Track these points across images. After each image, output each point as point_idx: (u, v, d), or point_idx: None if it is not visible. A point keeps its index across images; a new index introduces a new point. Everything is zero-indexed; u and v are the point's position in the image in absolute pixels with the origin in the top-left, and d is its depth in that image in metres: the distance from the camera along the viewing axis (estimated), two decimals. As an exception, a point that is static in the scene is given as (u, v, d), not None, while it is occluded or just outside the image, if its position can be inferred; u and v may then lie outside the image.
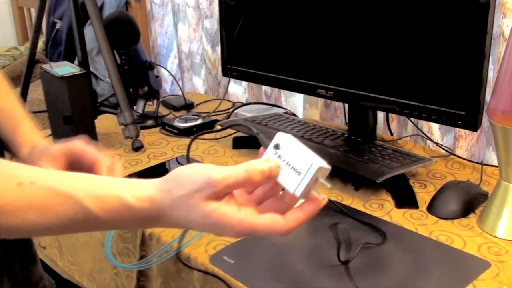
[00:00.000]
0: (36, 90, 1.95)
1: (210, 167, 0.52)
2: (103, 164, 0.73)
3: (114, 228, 0.56)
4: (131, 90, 1.47)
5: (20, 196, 0.49)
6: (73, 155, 0.73)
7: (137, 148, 1.28)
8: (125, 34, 1.40)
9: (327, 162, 0.52)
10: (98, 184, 0.53)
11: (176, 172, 0.53)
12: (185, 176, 0.52)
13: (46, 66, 1.25)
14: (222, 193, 0.51)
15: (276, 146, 0.54)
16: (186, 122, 1.40)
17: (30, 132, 0.81)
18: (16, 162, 0.53)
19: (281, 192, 0.56)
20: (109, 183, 0.54)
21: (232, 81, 1.70)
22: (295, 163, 0.52)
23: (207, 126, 1.41)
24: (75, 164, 0.73)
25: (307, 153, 0.52)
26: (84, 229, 0.54)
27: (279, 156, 0.53)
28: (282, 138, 0.54)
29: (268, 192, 0.56)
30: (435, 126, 1.34)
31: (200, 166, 0.53)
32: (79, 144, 0.74)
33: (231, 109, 1.52)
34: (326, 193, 1.03)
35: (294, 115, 1.47)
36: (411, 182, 1.06)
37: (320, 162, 0.52)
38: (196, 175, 0.52)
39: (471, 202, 0.95)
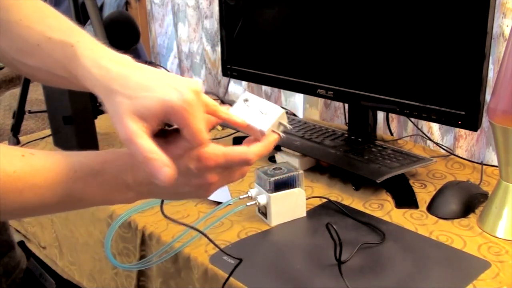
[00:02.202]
0: (36, 90, 1.95)
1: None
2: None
3: (117, 187, 0.57)
4: (131, 90, 1.47)
5: (25, 163, 0.53)
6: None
7: (137, 148, 1.28)
8: (125, 34, 1.40)
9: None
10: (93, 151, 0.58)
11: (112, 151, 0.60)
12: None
13: (46, 66, 1.25)
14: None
15: (246, 100, 0.63)
16: (186, 122, 1.39)
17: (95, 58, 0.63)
18: None
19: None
20: (92, 153, 0.59)
21: (232, 81, 1.70)
22: (262, 109, 0.62)
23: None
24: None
25: (271, 104, 0.63)
26: (87, 187, 0.56)
27: (247, 106, 0.63)
28: (249, 95, 0.64)
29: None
30: (435, 126, 1.34)
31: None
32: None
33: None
34: (326, 193, 1.03)
35: (294, 115, 1.47)
36: (411, 182, 1.06)
37: (282, 109, 0.62)
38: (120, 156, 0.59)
39: (471, 202, 0.95)
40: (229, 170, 0.60)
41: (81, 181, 0.55)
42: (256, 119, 0.61)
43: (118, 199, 0.59)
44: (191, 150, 0.56)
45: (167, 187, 0.54)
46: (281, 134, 0.62)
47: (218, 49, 1.83)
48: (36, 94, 1.99)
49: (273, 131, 0.61)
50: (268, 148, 0.60)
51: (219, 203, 0.96)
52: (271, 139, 0.61)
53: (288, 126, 0.63)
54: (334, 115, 1.59)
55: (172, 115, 0.53)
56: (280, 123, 0.62)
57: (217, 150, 0.56)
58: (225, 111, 0.60)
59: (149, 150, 0.52)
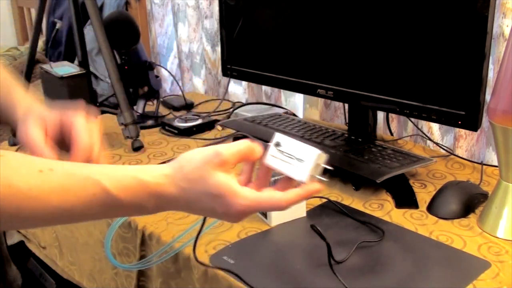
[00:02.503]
0: (36, 90, 1.95)
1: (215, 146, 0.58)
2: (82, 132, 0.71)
3: (132, 211, 0.57)
4: (131, 90, 1.47)
5: (42, 181, 0.51)
6: (63, 126, 0.72)
7: (137, 148, 1.28)
8: (125, 34, 1.40)
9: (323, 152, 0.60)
10: (114, 168, 0.56)
11: (185, 153, 0.58)
12: (193, 153, 0.57)
13: (46, 66, 1.26)
14: (228, 162, 0.56)
15: (277, 144, 0.60)
16: (186, 122, 1.40)
17: (24, 95, 0.76)
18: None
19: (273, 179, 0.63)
20: (124, 167, 0.57)
21: (232, 81, 1.70)
22: (297, 155, 0.59)
23: (207, 126, 1.41)
24: (65, 134, 0.71)
25: (306, 146, 0.59)
26: (104, 211, 0.55)
27: (281, 152, 0.60)
28: (280, 137, 0.60)
29: (262, 180, 0.61)
30: (435, 126, 1.34)
31: (205, 147, 0.58)
32: (70, 117, 0.71)
33: (231, 109, 1.52)
34: (326, 193, 1.03)
35: (294, 115, 1.47)
36: (411, 182, 1.06)
37: (318, 151, 0.59)
38: (203, 150, 0.57)
39: (471, 202, 0.95)
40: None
41: (98, 207, 0.54)
42: (292, 167, 0.59)
43: (131, 215, 0.60)
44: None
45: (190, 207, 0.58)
46: (323, 179, 0.59)
47: (218, 49, 1.83)
48: (36, 94, 1.98)
49: (312, 176, 0.58)
50: (305, 196, 0.59)
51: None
52: (311, 188, 0.59)
53: (329, 167, 0.59)
54: (334, 115, 1.59)
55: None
56: (317, 165, 0.59)
57: (250, 199, 0.57)
58: (262, 161, 0.61)
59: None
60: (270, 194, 0.59)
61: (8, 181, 0.50)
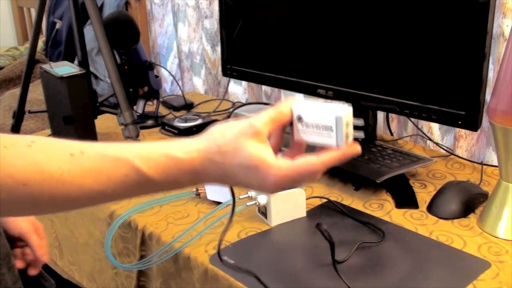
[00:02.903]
0: (36, 90, 1.95)
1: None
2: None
3: (167, 187, 0.56)
4: (131, 90, 1.47)
5: (74, 164, 0.51)
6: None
7: (137, 148, 1.28)
8: (125, 34, 1.40)
9: (346, 105, 0.58)
10: (144, 146, 0.55)
11: (217, 126, 0.57)
12: (226, 126, 0.57)
13: (46, 66, 1.25)
14: (262, 132, 0.55)
15: (299, 118, 0.58)
16: (186, 122, 1.40)
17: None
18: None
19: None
20: (155, 144, 0.56)
21: (232, 81, 1.70)
22: (322, 122, 0.56)
23: (207, 126, 1.41)
24: None
25: (327, 109, 0.56)
26: (137, 190, 0.55)
27: (306, 126, 0.57)
28: (299, 107, 0.58)
29: (296, 149, 0.60)
30: (435, 126, 1.34)
31: (237, 121, 0.57)
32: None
33: (231, 109, 1.52)
34: (326, 193, 1.03)
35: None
36: (411, 182, 1.06)
37: (341, 110, 0.56)
38: (237, 123, 0.56)
39: (471, 202, 0.95)
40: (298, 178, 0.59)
41: (132, 187, 0.54)
42: (324, 137, 0.57)
43: (167, 191, 0.58)
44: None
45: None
46: (359, 136, 0.58)
47: (218, 49, 1.82)
48: (36, 94, 1.99)
49: (346, 138, 0.57)
50: (342, 158, 0.58)
51: (219, 203, 0.96)
52: (348, 151, 0.58)
53: (359, 122, 0.57)
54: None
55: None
56: (347, 123, 0.57)
57: (284, 169, 0.56)
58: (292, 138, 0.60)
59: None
60: (305, 160, 0.57)
61: (40, 168, 0.50)
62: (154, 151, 0.55)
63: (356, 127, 0.58)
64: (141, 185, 0.54)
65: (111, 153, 0.53)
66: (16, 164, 0.49)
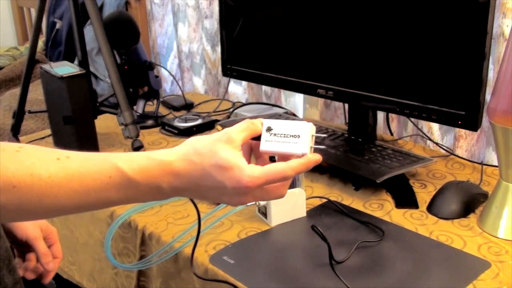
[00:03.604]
0: (36, 90, 1.95)
1: None
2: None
3: (149, 193, 0.58)
4: (131, 90, 1.47)
5: (60, 167, 0.53)
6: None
7: (137, 148, 1.28)
8: (125, 34, 1.40)
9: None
10: (127, 153, 0.58)
11: (194, 137, 0.61)
12: (202, 136, 0.61)
13: (46, 66, 1.25)
14: (236, 140, 0.59)
15: (269, 129, 0.63)
16: (186, 122, 1.40)
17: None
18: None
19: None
20: (139, 152, 0.59)
21: (232, 81, 1.70)
22: (290, 133, 0.62)
23: (207, 126, 1.41)
24: None
25: (295, 123, 0.62)
26: (122, 194, 0.56)
27: (274, 135, 0.62)
28: (269, 121, 0.63)
29: (261, 163, 0.63)
30: (435, 126, 1.34)
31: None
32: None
33: (231, 109, 1.52)
34: (326, 193, 1.03)
35: (294, 115, 1.47)
36: (411, 182, 1.06)
37: (307, 124, 0.62)
38: (213, 133, 0.60)
39: (471, 202, 0.95)
40: (267, 188, 0.61)
41: (115, 190, 0.56)
42: (290, 145, 0.61)
43: (148, 200, 0.60)
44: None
45: (209, 193, 0.59)
46: (322, 147, 0.63)
47: (218, 49, 1.82)
48: (36, 94, 1.99)
49: (311, 147, 0.62)
50: (308, 166, 0.61)
51: (219, 203, 0.96)
52: (312, 158, 0.61)
53: (322, 135, 0.64)
54: (334, 115, 1.59)
55: None
56: (312, 136, 0.62)
57: (256, 172, 0.58)
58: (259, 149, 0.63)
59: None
60: (274, 166, 0.59)
61: (30, 170, 0.51)
62: (136, 155, 0.57)
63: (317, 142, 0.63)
64: (125, 187, 0.56)
65: (96, 157, 0.56)
66: (6, 166, 0.51)
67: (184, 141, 0.61)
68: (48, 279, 0.87)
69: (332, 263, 0.79)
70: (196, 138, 0.60)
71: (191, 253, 0.83)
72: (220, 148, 0.58)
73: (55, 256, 0.86)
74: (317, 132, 0.64)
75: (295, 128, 0.61)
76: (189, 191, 0.60)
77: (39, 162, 0.52)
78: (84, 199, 0.54)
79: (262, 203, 0.92)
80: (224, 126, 1.37)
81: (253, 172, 0.57)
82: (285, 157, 0.62)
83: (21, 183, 0.51)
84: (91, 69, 1.90)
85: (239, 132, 0.60)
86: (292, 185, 0.92)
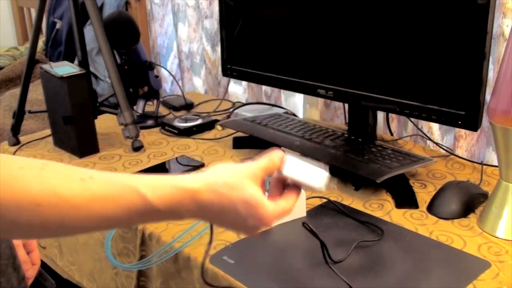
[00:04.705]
0: (36, 90, 1.95)
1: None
2: None
3: (169, 218, 0.59)
4: (131, 90, 1.47)
5: (84, 188, 0.52)
6: None
7: (137, 148, 1.28)
8: (125, 34, 1.40)
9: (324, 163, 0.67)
10: (152, 177, 0.57)
11: (221, 164, 0.61)
12: (228, 164, 0.61)
13: (46, 66, 1.26)
14: (260, 177, 0.61)
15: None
16: (186, 122, 1.40)
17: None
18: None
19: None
20: (164, 176, 0.58)
21: (232, 81, 1.70)
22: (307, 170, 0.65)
23: (207, 126, 1.41)
24: None
25: (313, 168, 0.65)
26: (143, 218, 0.57)
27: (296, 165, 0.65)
28: (291, 161, 0.64)
29: (275, 191, 0.66)
30: (435, 126, 1.34)
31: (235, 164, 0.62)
32: None
33: (231, 109, 1.52)
34: (326, 193, 1.03)
35: (294, 115, 1.47)
36: (411, 182, 1.06)
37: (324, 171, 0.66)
38: (238, 165, 0.61)
39: (471, 202, 0.95)
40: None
41: (137, 215, 0.55)
42: (310, 177, 0.64)
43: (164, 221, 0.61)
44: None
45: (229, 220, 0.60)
46: (334, 186, 0.70)
47: (218, 49, 1.82)
48: (36, 94, 1.99)
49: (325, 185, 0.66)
50: (297, 198, 0.65)
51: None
52: (295, 192, 0.65)
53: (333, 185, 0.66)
54: (334, 115, 1.59)
55: None
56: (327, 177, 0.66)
57: (277, 211, 0.61)
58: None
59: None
60: (288, 203, 0.63)
61: (54, 190, 0.51)
62: (160, 180, 0.57)
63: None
64: (146, 214, 0.56)
65: (119, 180, 0.55)
66: (31, 185, 0.50)
67: (209, 168, 0.60)
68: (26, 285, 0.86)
69: (327, 261, 0.79)
70: (222, 167, 0.60)
71: (201, 264, 0.83)
72: (247, 184, 0.59)
73: (34, 263, 0.85)
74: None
75: (313, 173, 0.64)
76: (208, 219, 0.61)
77: (63, 182, 0.52)
78: (104, 222, 0.54)
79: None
80: (224, 126, 1.37)
81: (274, 210, 0.60)
82: (299, 185, 0.65)
83: (44, 201, 0.50)
84: (91, 69, 1.90)
85: (262, 169, 0.61)
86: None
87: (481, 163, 1.13)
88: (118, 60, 1.43)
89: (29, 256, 0.85)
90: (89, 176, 0.53)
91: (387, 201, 1.00)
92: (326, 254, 0.80)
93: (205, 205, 0.58)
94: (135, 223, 0.57)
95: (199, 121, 1.41)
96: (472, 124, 0.96)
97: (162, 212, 0.56)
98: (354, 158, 1.07)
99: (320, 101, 1.59)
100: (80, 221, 0.52)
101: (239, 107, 1.52)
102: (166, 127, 1.41)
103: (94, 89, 1.42)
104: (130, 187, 0.55)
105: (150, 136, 1.38)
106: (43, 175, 0.51)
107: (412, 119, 1.32)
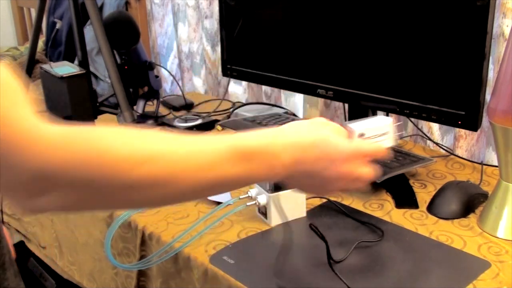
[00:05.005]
0: (36, 90, 1.95)
1: None
2: None
3: (263, 166, 0.59)
4: (131, 90, 1.47)
5: (181, 143, 0.54)
6: None
7: (137, 148, 1.28)
8: (125, 34, 1.40)
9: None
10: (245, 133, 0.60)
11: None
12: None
13: (46, 66, 1.26)
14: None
15: (361, 135, 0.70)
16: (186, 122, 1.40)
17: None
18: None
19: None
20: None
21: (232, 81, 1.70)
22: (379, 132, 0.72)
23: (207, 126, 1.41)
24: None
25: (378, 121, 0.73)
26: (235, 168, 0.56)
27: (368, 137, 0.71)
28: (358, 126, 0.70)
29: None
30: (435, 126, 1.34)
31: None
32: None
33: (231, 109, 1.52)
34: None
35: (294, 115, 1.47)
36: (411, 182, 1.06)
37: (388, 118, 0.74)
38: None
39: (471, 202, 0.95)
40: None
41: (231, 163, 0.55)
42: (382, 142, 0.72)
43: (261, 178, 0.61)
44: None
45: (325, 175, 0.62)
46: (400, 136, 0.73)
47: (218, 49, 1.82)
48: (36, 94, 1.99)
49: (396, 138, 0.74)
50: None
51: (219, 203, 0.96)
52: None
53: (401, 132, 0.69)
54: (334, 115, 1.59)
55: None
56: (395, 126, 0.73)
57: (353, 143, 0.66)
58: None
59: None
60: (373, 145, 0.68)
61: (160, 145, 0.52)
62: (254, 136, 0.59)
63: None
64: (240, 159, 0.56)
65: (206, 137, 0.56)
66: (140, 141, 0.51)
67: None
68: None
69: (330, 262, 0.79)
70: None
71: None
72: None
73: None
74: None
75: (382, 128, 0.71)
76: (307, 165, 0.61)
77: (169, 140, 0.52)
78: (204, 176, 0.54)
79: (262, 203, 0.92)
80: (224, 126, 1.37)
81: (350, 143, 0.64)
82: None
83: (157, 154, 0.50)
84: (91, 69, 1.90)
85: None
86: None
87: (481, 163, 1.13)
88: (118, 60, 1.43)
89: None
90: (178, 136, 0.55)
91: (387, 201, 1.00)
92: (329, 255, 0.80)
93: (304, 144, 0.60)
94: (229, 177, 0.56)
95: (199, 121, 1.41)
96: (472, 124, 0.96)
97: (256, 152, 0.57)
98: (354, 158, 1.07)
99: (320, 101, 1.59)
100: (186, 176, 0.53)
101: (239, 107, 1.52)
102: (166, 127, 1.41)
103: (94, 89, 1.42)
104: (219, 137, 0.57)
105: (150, 136, 1.38)
106: (145, 135, 0.52)
107: (412, 119, 1.32)
